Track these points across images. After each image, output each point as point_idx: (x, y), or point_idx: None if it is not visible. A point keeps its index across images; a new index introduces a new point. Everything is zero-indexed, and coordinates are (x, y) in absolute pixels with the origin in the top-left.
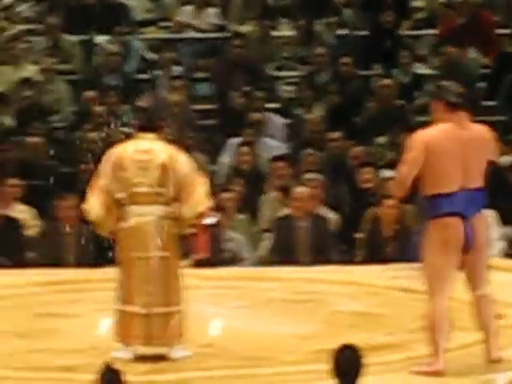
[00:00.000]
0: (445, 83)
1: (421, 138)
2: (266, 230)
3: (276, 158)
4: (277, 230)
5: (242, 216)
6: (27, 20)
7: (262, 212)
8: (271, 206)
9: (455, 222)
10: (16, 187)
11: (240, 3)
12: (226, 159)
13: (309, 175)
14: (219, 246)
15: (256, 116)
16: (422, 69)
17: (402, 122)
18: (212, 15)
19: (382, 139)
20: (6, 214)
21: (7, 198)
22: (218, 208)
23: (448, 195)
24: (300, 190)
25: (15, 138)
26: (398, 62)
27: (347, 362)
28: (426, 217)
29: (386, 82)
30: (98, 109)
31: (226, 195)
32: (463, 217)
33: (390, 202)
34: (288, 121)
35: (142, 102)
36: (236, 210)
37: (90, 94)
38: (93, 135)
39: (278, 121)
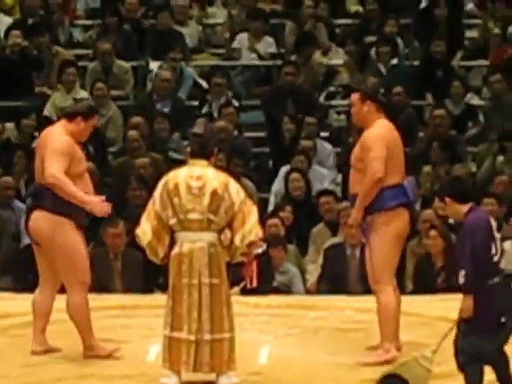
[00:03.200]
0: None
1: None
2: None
3: (323, 193)
4: (327, 259)
5: (291, 246)
6: (80, 45)
7: (312, 241)
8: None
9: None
10: None
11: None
12: (277, 187)
13: None
14: (269, 276)
15: (307, 143)
16: (474, 99)
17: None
18: (267, 43)
19: (427, 168)
20: None
21: None
22: (269, 237)
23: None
24: None
25: None
26: (450, 92)
27: None
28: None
29: (439, 112)
30: (134, 134)
31: (274, 221)
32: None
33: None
34: (338, 149)
35: (196, 128)
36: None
37: (137, 119)
38: (141, 161)
39: (329, 148)
